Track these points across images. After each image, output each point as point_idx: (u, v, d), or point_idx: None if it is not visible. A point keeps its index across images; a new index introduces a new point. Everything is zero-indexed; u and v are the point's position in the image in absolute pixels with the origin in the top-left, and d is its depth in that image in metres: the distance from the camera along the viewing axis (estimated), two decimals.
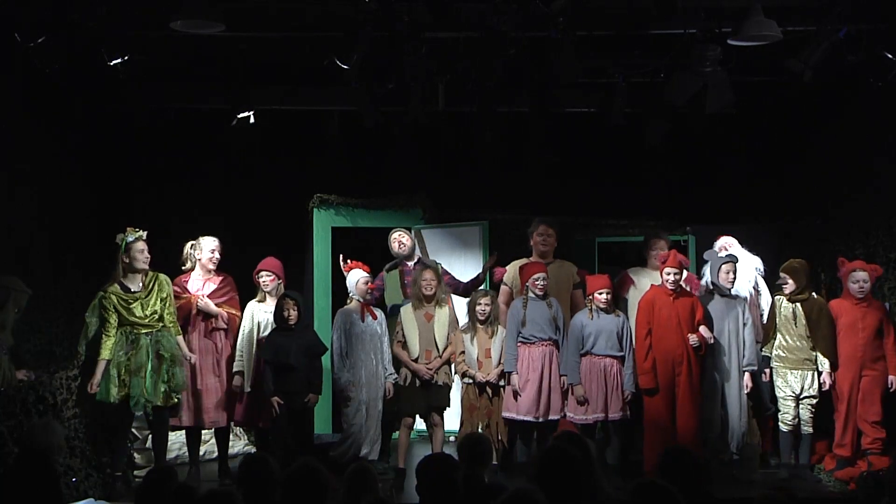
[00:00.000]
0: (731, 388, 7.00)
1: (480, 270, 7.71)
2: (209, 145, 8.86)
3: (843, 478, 6.83)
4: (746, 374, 6.99)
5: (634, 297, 7.35)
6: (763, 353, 7.17)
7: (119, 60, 6.80)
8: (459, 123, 8.33)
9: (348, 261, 7.31)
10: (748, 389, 7.00)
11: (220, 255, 7.23)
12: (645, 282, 7.35)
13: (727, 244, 7.41)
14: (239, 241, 7.52)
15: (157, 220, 7.58)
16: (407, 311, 7.13)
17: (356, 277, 7.15)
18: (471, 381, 7.01)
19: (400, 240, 7.63)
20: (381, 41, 6.57)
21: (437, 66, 7.08)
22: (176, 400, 6.82)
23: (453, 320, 7.15)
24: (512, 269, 7.48)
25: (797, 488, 6.34)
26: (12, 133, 7.33)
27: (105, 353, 6.62)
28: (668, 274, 6.91)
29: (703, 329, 6.87)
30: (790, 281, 7.10)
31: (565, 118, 8.63)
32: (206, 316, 7.13)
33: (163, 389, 6.72)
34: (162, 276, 6.91)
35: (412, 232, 7.97)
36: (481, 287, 7.50)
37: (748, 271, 7.34)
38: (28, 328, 6.94)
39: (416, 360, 7.00)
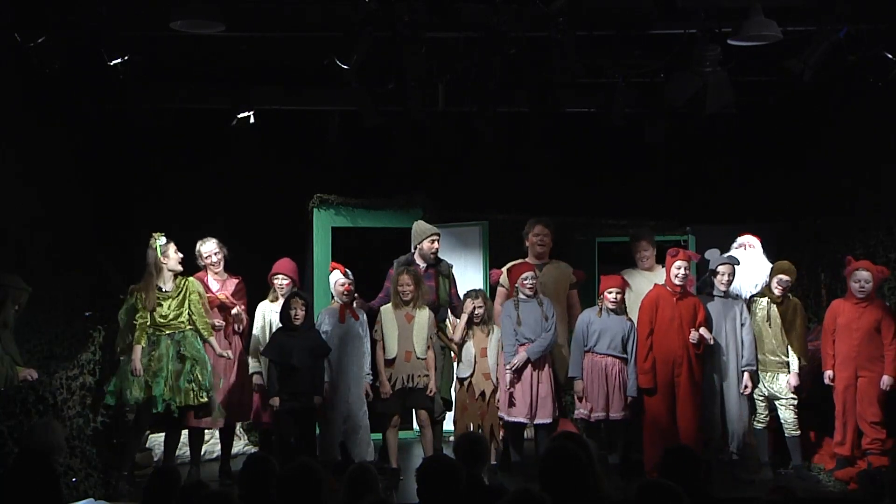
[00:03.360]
0: (731, 389, 6.99)
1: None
2: (209, 145, 8.86)
3: (843, 478, 6.83)
4: (745, 375, 6.98)
5: (630, 298, 7.25)
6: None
7: (119, 60, 6.82)
8: (459, 123, 8.34)
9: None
10: (748, 390, 6.98)
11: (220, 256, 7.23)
12: (638, 282, 7.32)
13: (750, 243, 7.32)
14: (239, 241, 7.51)
15: (157, 220, 7.56)
16: (387, 311, 7.07)
17: (334, 279, 7.14)
18: (465, 376, 6.99)
19: (436, 241, 7.31)
20: (381, 41, 6.58)
21: (437, 66, 7.08)
22: (204, 399, 6.80)
23: (433, 323, 7.07)
24: (507, 270, 7.47)
25: (795, 488, 6.34)
26: (12, 133, 7.33)
27: (142, 340, 6.69)
28: (679, 268, 6.85)
29: (703, 330, 6.85)
30: (791, 281, 7.04)
31: (565, 118, 8.64)
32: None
33: (187, 389, 6.73)
34: (192, 280, 6.96)
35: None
36: (473, 288, 7.40)
37: (758, 275, 7.23)
38: (28, 328, 6.92)
39: (393, 360, 6.96)
